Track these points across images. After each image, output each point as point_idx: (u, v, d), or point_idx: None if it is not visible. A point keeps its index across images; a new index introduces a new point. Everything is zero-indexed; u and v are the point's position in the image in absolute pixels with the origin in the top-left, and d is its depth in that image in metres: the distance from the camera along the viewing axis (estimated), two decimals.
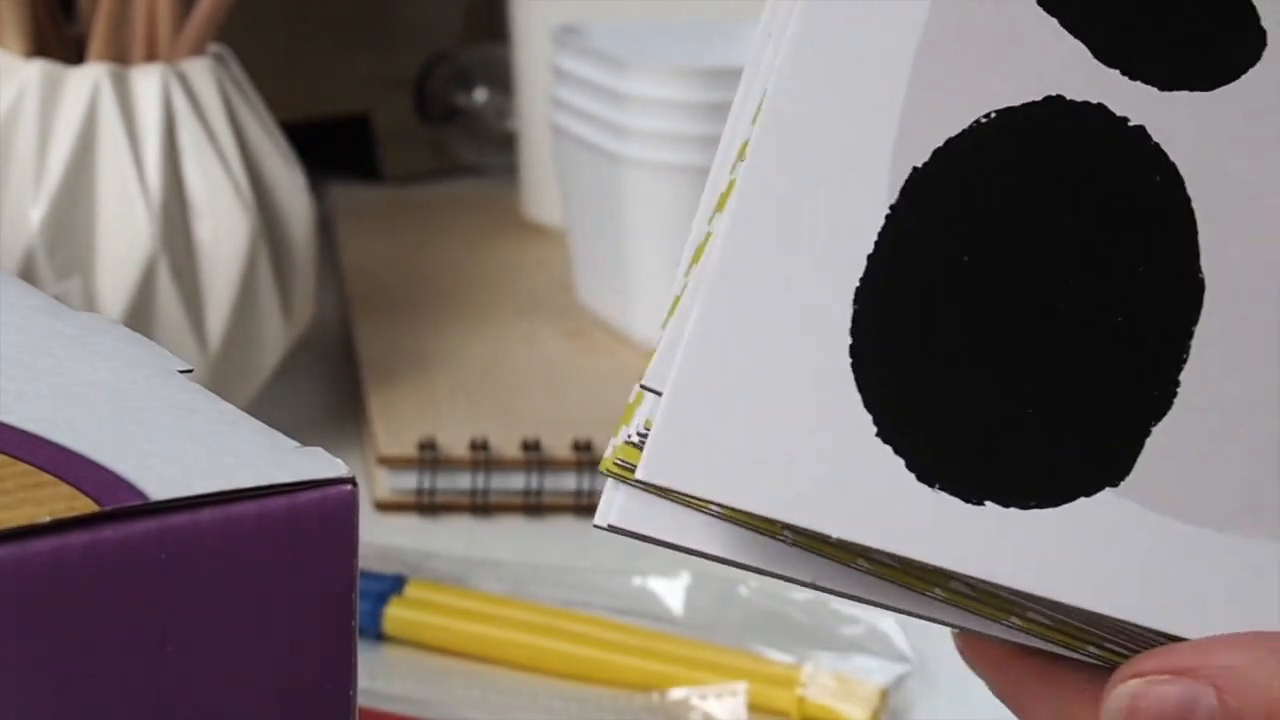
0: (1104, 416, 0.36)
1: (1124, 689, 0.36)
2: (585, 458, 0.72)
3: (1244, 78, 0.38)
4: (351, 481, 0.31)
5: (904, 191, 0.37)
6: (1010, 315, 0.37)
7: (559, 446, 0.73)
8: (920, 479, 0.36)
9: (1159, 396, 0.36)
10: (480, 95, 1.07)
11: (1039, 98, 0.38)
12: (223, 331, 0.71)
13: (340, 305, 0.89)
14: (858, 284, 0.36)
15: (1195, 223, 0.37)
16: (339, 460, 0.32)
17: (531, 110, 1.00)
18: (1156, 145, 0.37)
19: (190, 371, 0.35)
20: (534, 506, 0.72)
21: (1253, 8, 0.38)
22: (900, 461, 0.36)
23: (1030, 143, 0.38)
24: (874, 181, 0.37)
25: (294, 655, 0.31)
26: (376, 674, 0.61)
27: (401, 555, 0.66)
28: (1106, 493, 0.36)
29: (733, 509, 0.36)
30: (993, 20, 0.38)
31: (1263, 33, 0.38)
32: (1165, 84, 0.38)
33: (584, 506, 0.72)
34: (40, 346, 0.36)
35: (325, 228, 0.92)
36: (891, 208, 0.37)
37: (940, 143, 0.37)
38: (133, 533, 0.29)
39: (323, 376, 0.83)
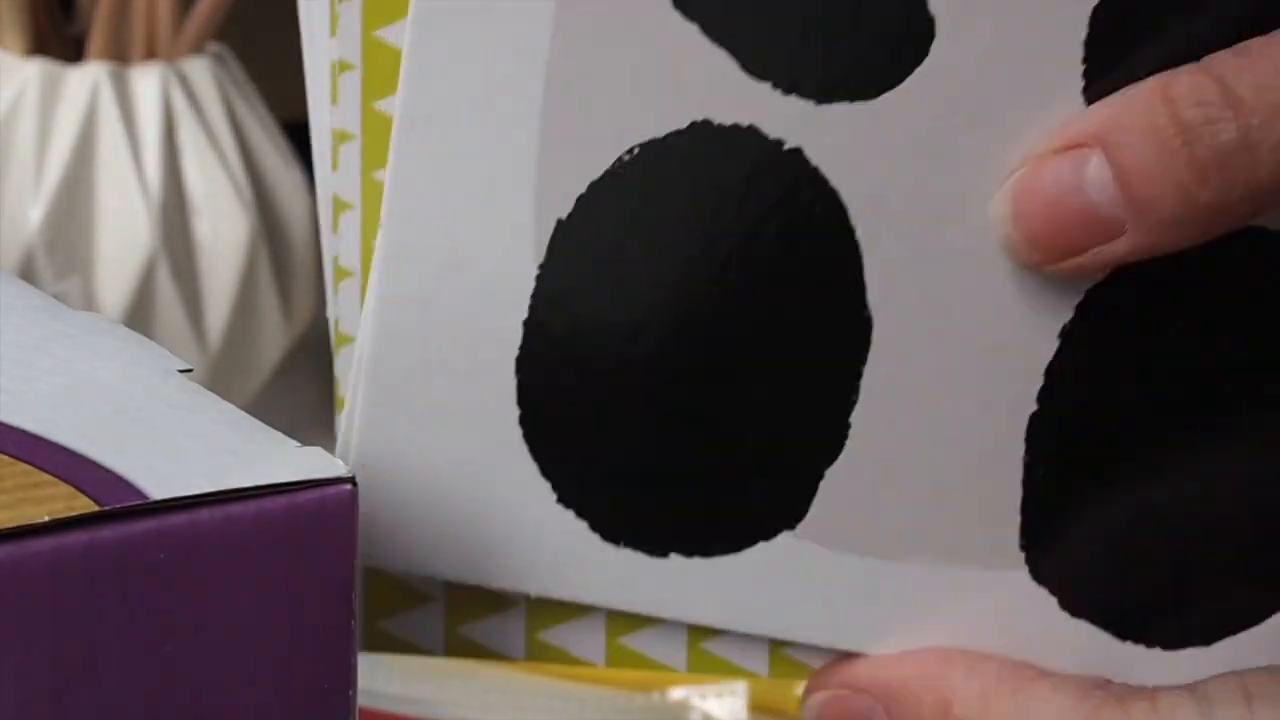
0: (780, 467, 0.35)
1: (813, 700, 0.39)
2: None
3: (909, 79, 0.33)
4: (352, 481, 0.31)
5: (550, 247, 0.34)
6: (674, 373, 0.35)
7: None
8: (605, 539, 0.36)
9: (832, 442, 0.35)
10: None
11: (684, 125, 0.34)
12: (222, 331, 0.71)
13: None
14: (517, 353, 0.35)
15: (860, 255, 0.34)
16: (339, 460, 0.32)
17: None
18: (815, 169, 0.34)
19: (190, 371, 0.35)
20: None
21: None
22: (584, 524, 0.36)
23: (678, 178, 0.34)
24: (521, 242, 0.34)
25: (294, 655, 0.31)
26: (376, 674, 0.61)
27: None
28: (784, 535, 0.36)
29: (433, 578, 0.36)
30: (625, 36, 0.33)
31: (930, 20, 0.33)
32: (821, 96, 0.33)
33: None
34: (39, 346, 0.36)
35: None
36: (540, 267, 0.34)
37: (583, 189, 0.34)
38: (132, 532, 0.29)
39: (323, 376, 0.83)
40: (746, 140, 0.33)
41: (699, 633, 0.38)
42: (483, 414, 0.35)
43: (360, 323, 0.36)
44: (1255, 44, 0.33)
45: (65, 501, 0.29)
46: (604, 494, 0.36)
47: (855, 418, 0.35)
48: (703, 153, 0.34)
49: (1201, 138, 0.32)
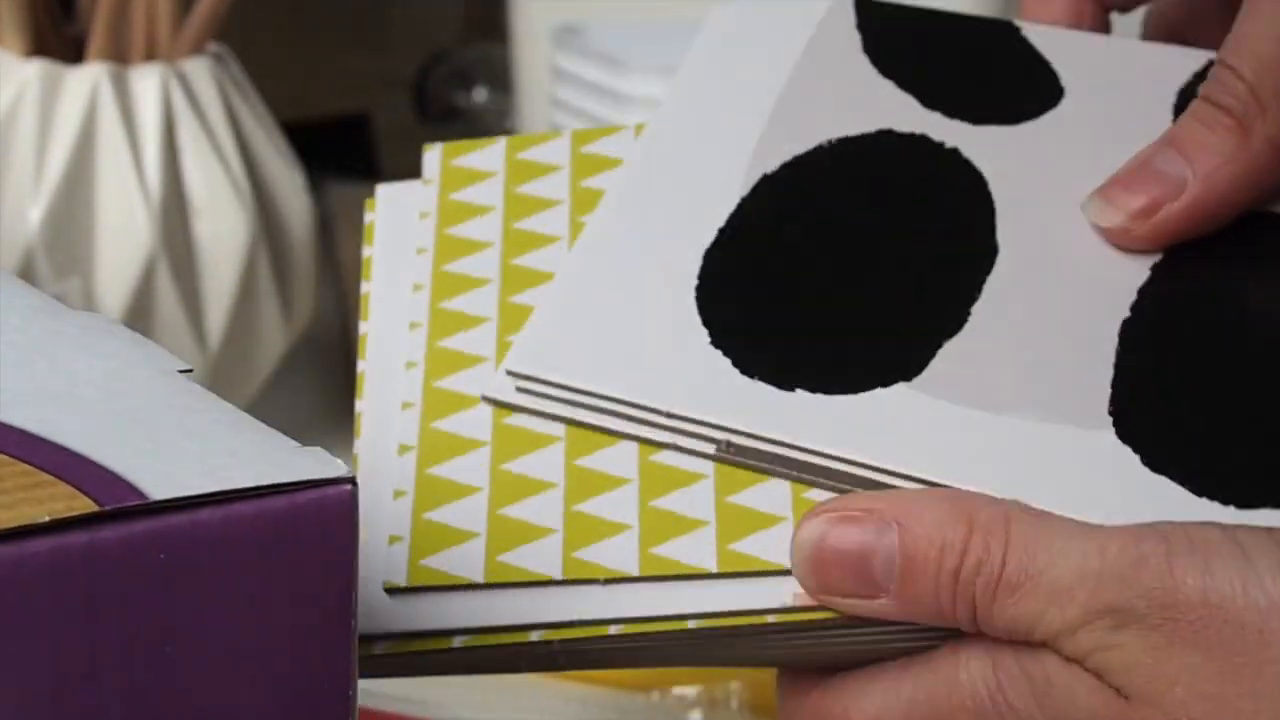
0: (906, 335, 0.44)
1: (816, 522, 0.41)
2: None
3: (1044, 115, 0.49)
4: (351, 481, 0.31)
5: (753, 190, 0.47)
6: (827, 268, 0.46)
7: None
8: (743, 372, 0.44)
9: (953, 322, 0.45)
10: (479, 95, 1.07)
11: (872, 130, 0.48)
12: (222, 331, 0.71)
13: (340, 305, 0.89)
14: (707, 247, 0.46)
15: (994, 206, 0.47)
16: (339, 460, 0.32)
17: (531, 110, 1.00)
18: (967, 159, 0.48)
19: (190, 371, 0.35)
20: None
21: (1053, 70, 0.49)
22: (727, 361, 0.44)
23: (863, 158, 0.48)
24: (731, 183, 0.48)
25: (293, 655, 0.31)
26: None
27: None
28: (899, 385, 0.44)
29: (589, 392, 0.44)
30: (840, 79, 0.49)
31: (1061, 88, 0.49)
32: (976, 120, 0.49)
33: None
34: (39, 346, 0.35)
35: (325, 227, 0.91)
36: (742, 198, 0.47)
37: (788, 158, 0.48)
38: (132, 532, 0.29)
39: (323, 376, 0.83)
40: (918, 141, 0.48)
41: (728, 535, 0.42)
42: (668, 280, 0.45)
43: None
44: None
45: (65, 501, 0.29)
46: (746, 340, 0.44)
47: (975, 310, 0.45)
48: (884, 145, 0.48)
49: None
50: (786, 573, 0.41)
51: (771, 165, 0.48)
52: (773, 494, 0.43)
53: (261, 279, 0.72)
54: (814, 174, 0.48)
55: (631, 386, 0.44)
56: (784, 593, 0.41)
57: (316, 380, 0.83)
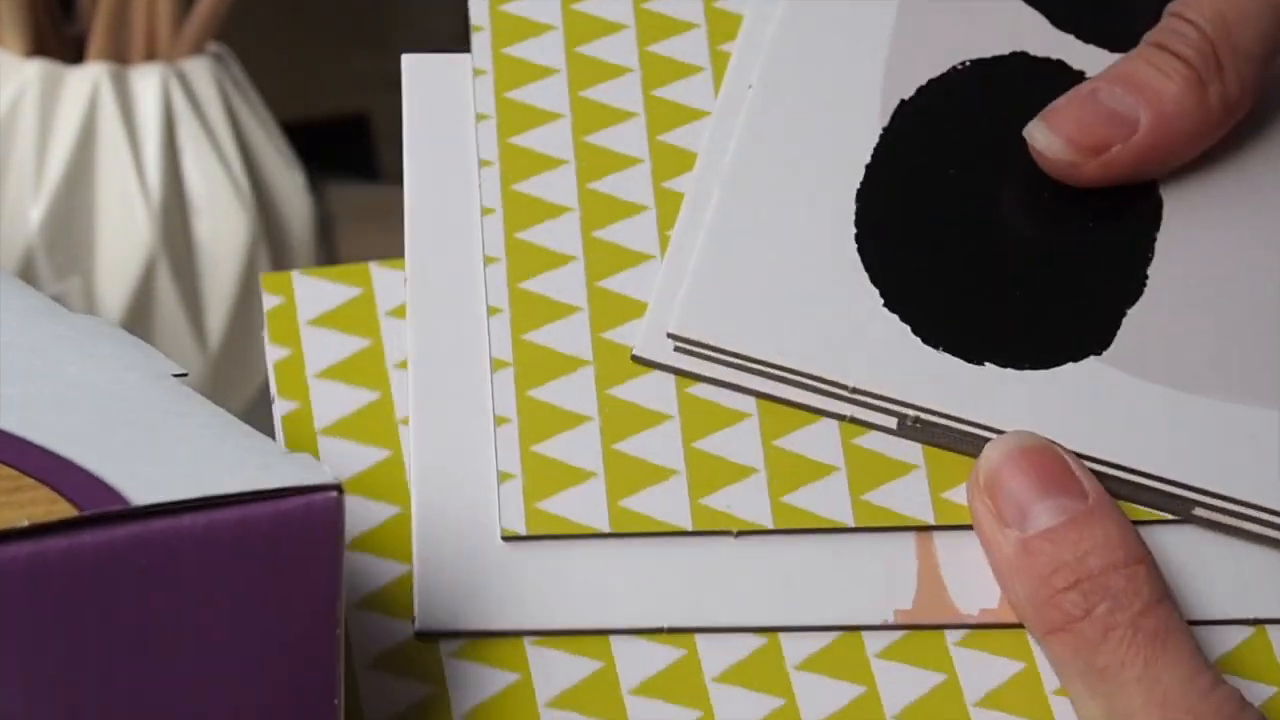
0: (1085, 300, 0.42)
1: (1025, 448, 0.40)
2: None
3: None
4: (337, 488, 0.31)
5: (894, 116, 0.44)
6: (992, 217, 0.43)
7: None
8: (925, 341, 0.41)
9: (1132, 286, 0.42)
10: None
11: (1007, 52, 0.45)
12: (223, 331, 0.71)
13: None
14: (859, 186, 0.43)
15: None
16: (325, 466, 0.32)
17: None
18: None
19: (185, 375, 0.35)
20: None
21: None
22: (906, 327, 0.41)
23: (1000, 83, 0.45)
24: (868, 111, 0.44)
25: (277, 661, 0.31)
26: None
27: None
28: (1091, 360, 0.41)
29: (759, 360, 0.41)
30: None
31: None
32: (1113, 46, 0.45)
33: None
34: (34, 348, 0.35)
35: (325, 227, 0.91)
36: (884, 129, 0.44)
37: (923, 82, 0.44)
38: (112, 538, 0.29)
39: None
40: (1054, 67, 0.45)
41: (860, 485, 0.40)
42: (822, 230, 0.42)
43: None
44: None
45: (46, 506, 0.29)
46: (926, 303, 0.42)
47: (1151, 273, 0.42)
48: (1019, 70, 0.45)
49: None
50: (921, 528, 0.40)
51: (907, 90, 0.44)
52: (903, 442, 0.41)
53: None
54: (952, 101, 0.45)
55: (809, 357, 0.41)
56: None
57: None
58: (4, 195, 0.68)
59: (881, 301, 0.41)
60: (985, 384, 0.41)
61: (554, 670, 0.39)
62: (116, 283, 0.69)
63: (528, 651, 0.39)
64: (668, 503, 0.40)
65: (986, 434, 0.41)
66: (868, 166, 0.43)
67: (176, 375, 0.35)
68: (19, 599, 0.28)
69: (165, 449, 0.32)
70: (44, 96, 0.69)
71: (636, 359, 0.41)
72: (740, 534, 0.40)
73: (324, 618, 0.31)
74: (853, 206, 0.43)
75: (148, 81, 0.70)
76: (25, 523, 0.29)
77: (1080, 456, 0.40)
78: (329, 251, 0.92)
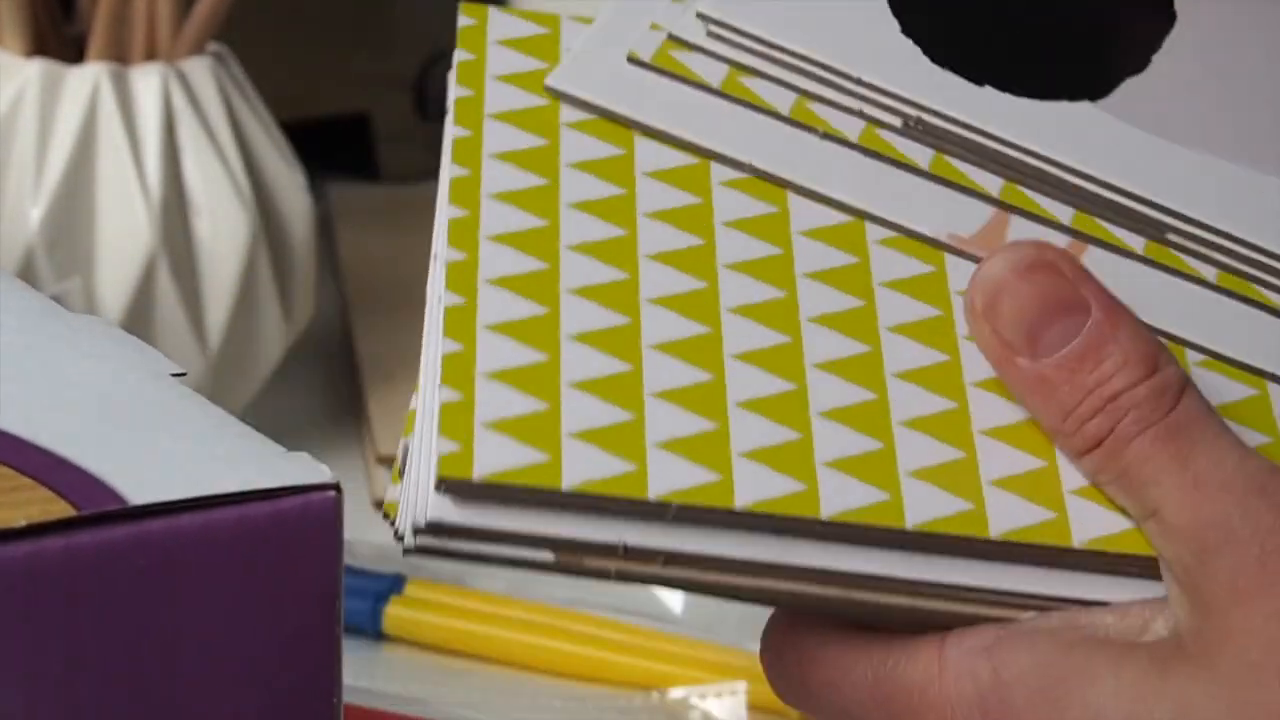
0: (1090, 58, 0.46)
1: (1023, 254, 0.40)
2: None
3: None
4: (335, 487, 0.31)
5: None
6: None
7: None
8: (934, 60, 0.45)
9: (1138, 59, 0.46)
10: None
11: None
12: (223, 331, 0.71)
13: (340, 305, 0.88)
14: None
15: None
16: (323, 466, 0.32)
17: None
18: None
19: (184, 375, 0.35)
20: None
21: None
22: (918, 49, 0.45)
23: None
24: None
25: (275, 661, 0.31)
26: (376, 674, 0.60)
27: (401, 554, 0.66)
28: (1086, 103, 0.45)
29: (782, 47, 0.45)
30: None
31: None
32: None
33: None
34: (33, 348, 0.35)
35: (325, 227, 0.91)
36: None
37: None
38: (110, 537, 0.29)
39: (323, 376, 0.83)
40: None
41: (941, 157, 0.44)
42: None
43: None
44: None
45: (43, 505, 0.29)
46: (941, 31, 0.46)
47: (1155, 59, 0.46)
48: None
49: None
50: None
51: None
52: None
53: (261, 279, 0.72)
54: None
55: (827, 50, 0.45)
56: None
57: (316, 380, 0.83)
58: (4, 195, 0.68)
59: (899, 28, 0.46)
60: (984, 99, 0.45)
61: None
62: (116, 283, 0.69)
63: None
64: None
65: (980, 139, 0.44)
66: None
67: (176, 375, 0.35)
68: (17, 598, 0.28)
69: (163, 449, 0.32)
70: (44, 96, 0.69)
71: (671, 37, 0.45)
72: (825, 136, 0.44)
73: (322, 615, 0.31)
74: None
75: (148, 81, 0.70)
76: (23, 522, 0.29)
77: (1058, 165, 0.44)
78: (329, 251, 0.92)
